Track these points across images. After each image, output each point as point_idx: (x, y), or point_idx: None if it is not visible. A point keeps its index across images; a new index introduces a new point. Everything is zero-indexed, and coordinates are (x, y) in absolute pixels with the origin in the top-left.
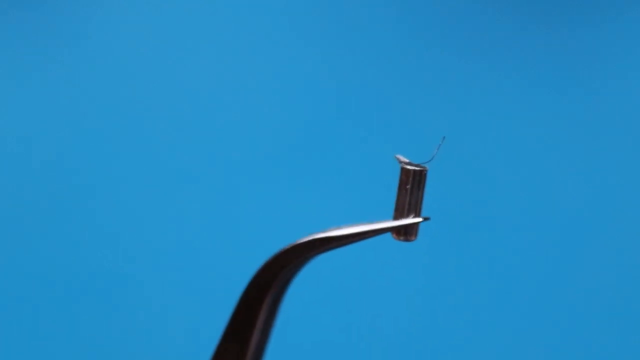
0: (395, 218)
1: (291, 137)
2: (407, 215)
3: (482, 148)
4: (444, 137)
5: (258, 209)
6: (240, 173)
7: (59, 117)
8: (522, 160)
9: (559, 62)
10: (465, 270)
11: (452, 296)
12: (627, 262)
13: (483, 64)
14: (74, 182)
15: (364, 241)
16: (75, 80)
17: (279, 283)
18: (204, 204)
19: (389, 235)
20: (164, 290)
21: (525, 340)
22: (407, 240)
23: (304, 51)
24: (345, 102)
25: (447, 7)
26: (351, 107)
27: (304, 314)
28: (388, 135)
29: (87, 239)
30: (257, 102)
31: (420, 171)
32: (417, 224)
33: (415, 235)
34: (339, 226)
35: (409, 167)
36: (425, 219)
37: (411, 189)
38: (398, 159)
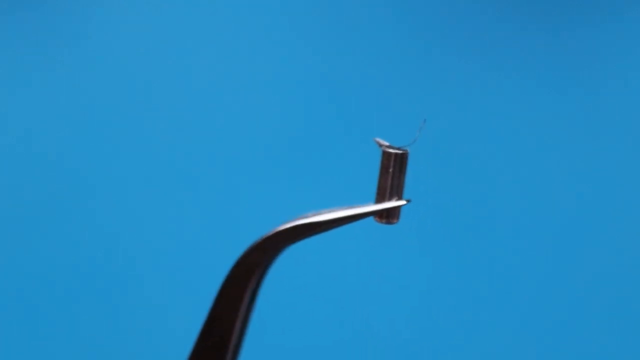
0: (378, 201)
1: (281, 131)
2: (389, 199)
3: (482, 148)
4: (424, 120)
5: (243, 199)
6: (234, 168)
7: (59, 116)
8: (521, 160)
9: (558, 62)
10: (460, 267)
11: (441, 290)
12: (626, 262)
13: (482, 63)
14: (71, 180)
15: (346, 226)
16: (74, 79)
17: (260, 272)
18: (194, 199)
19: (371, 219)
20: (160, 288)
21: (521, 339)
22: (389, 223)
23: (300, 49)
24: (337, 98)
25: (446, 7)
26: (343, 102)
27: (281, 305)
28: (377, 127)
29: (81, 236)
30: (250, 99)
31: (402, 154)
32: (399, 206)
33: (398, 217)
34: (317, 211)
35: (390, 150)
36: (407, 201)
37: (393, 172)
38: (378, 142)
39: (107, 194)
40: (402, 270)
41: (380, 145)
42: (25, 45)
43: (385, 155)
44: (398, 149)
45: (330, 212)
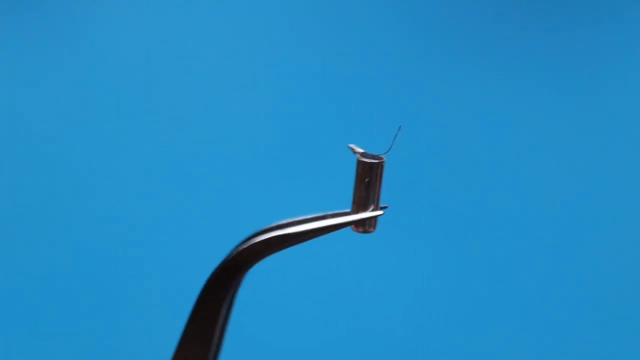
0: (354, 211)
1: (278, 131)
2: (365, 208)
3: (481, 148)
4: (400, 126)
5: (240, 198)
6: (233, 168)
7: (59, 116)
8: (521, 160)
9: (558, 62)
10: (457, 266)
11: (434, 290)
12: (626, 261)
13: (482, 63)
14: (70, 180)
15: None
16: (75, 79)
17: (236, 282)
18: (193, 198)
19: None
20: (160, 288)
21: (518, 340)
22: (366, 232)
23: (300, 49)
24: (336, 98)
25: (446, 7)
26: (342, 101)
27: (270, 306)
28: (376, 127)
29: (80, 236)
30: (250, 99)
31: (378, 164)
32: (375, 216)
33: (375, 226)
34: (293, 219)
35: (366, 159)
36: (384, 207)
37: (369, 181)
38: (352, 149)
39: (106, 193)
40: (394, 269)
41: (355, 152)
42: (25, 46)
43: (361, 165)
44: (373, 157)
45: (306, 221)
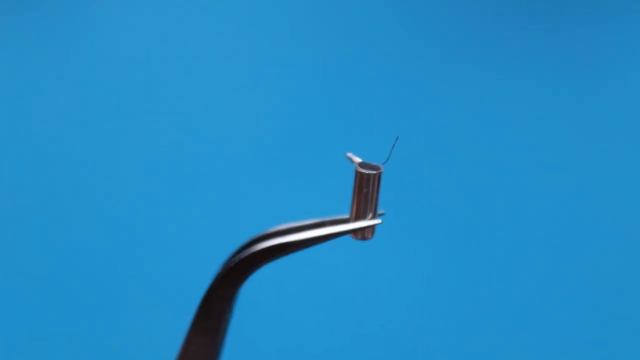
0: (353, 219)
1: (278, 131)
2: (364, 217)
3: (481, 148)
4: (397, 137)
5: (240, 198)
6: (232, 168)
7: (60, 116)
8: (521, 161)
9: (558, 62)
10: (456, 267)
11: (434, 292)
12: (626, 261)
13: (482, 63)
14: (69, 181)
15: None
16: (75, 79)
17: (236, 290)
18: (192, 198)
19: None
20: (159, 287)
21: (518, 340)
22: (364, 239)
23: (299, 50)
24: (335, 98)
25: (446, 7)
26: (341, 102)
27: (270, 308)
28: (376, 127)
29: (80, 237)
30: (250, 100)
31: (376, 175)
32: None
33: (372, 233)
34: (291, 224)
35: (363, 170)
36: (381, 214)
37: (367, 191)
38: (350, 158)
39: (105, 194)
40: (394, 272)
41: (352, 161)
42: (25, 46)
43: (359, 176)
44: (371, 167)
45: (305, 228)
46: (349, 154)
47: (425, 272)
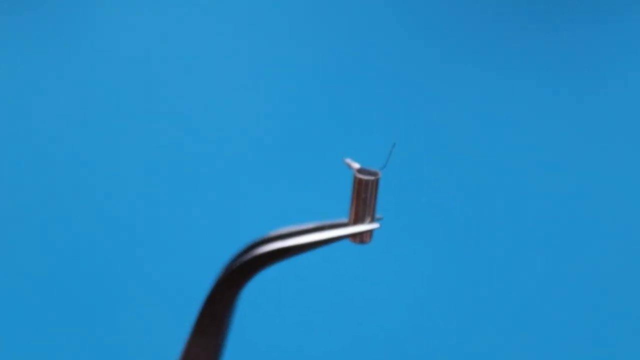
0: (351, 223)
1: (279, 132)
2: (362, 221)
3: (480, 149)
4: (394, 144)
5: (240, 199)
6: (232, 169)
7: (61, 116)
8: (521, 161)
9: (558, 62)
10: (456, 268)
11: (433, 293)
12: (626, 262)
13: (482, 64)
14: (69, 183)
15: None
16: (75, 80)
17: (236, 294)
18: (192, 199)
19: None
20: (159, 287)
21: (519, 342)
22: (363, 242)
23: (299, 50)
24: (335, 99)
25: (446, 7)
26: (341, 102)
27: (271, 309)
28: (375, 128)
29: (79, 238)
30: (250, 100)
31: (374, 180)
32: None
33: (371, 237)
34: (290, 228)
35: (362, 176)
36: (379, 218)
37: (365, 197)
38: (348, 164)
39: (105, 195)
40: (394, 273)
41: (350, 167)
42: (25, 46)
43: (357, 182)
44: (369, 172)
45: (304, 232)
46: (348, 160)
47: (424, 275)
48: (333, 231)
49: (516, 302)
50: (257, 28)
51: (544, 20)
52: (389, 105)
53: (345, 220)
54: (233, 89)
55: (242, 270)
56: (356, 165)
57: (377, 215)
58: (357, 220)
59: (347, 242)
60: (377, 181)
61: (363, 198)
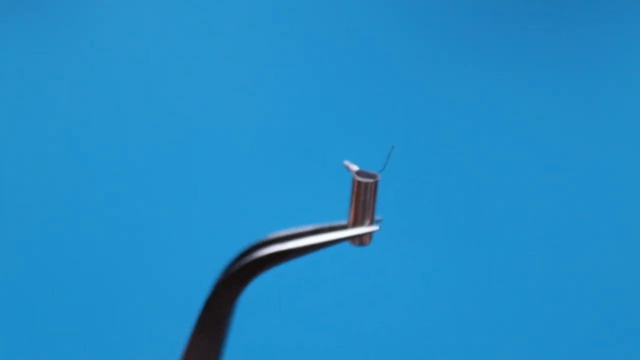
0: (350, 225)
1: (280, 133)
2: (361, 223)
3: (480, 149)
4: (392, 147)
5: (241, 200)
6: (233, 170)
7: (62, 116)
8: (521, 161)
9: (558, 62)
10: (458, 269)
11: (434, 293)
12: (626, 262)
13: (482, 64)
14: (69, 185)
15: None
16: (75, 80)
17: (236, 296)
18: (193, 200)
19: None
20: (159, 288)
21: (519, 343)
22: (362, 244)
23: (300, 51)
24: (336, 100)
25: (446, 7)
26: (341, 103)
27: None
28: (376, 129)
29: (79, 240)
30: (250, 101)
31: (373, 183)
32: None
33: (370, 239)
34: (288, 231)
35: (361, 179)
36: (378, 220)
37: (364, 199)
38: (347, 166)
39: (107, 196)
40: (394, 273)
41: (349, 170)
42: (26, 46)
43: (356, 184)
44: (368, 175)
45: (303, 234)
46: (346, 162)
47: (424, 276)
48: (332, 234)
49: (516, 302)
50: (257, 29)
51: (544, 20)
52: (388, 107)
53: (344, 222)
54: (233, 91)
55: (241, 273)
56: (355, 168)
57: (376, 217)
58: (356, 222)
59: (346, 244)
60: (376, 183)
61: (362, 200)
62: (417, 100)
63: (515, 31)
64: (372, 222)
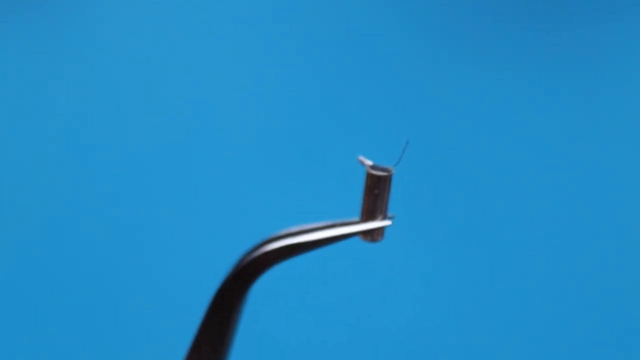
0: (363, 220)
1: (282, 134)
2: (374, 218)
3: (480, 149)
4: (408, 141)
5: (243, 201)
6: (234, 171)
7: (61, 117)
8: (521, 161)
9: (557, 63)
10: (462, 269)
11: (436, 293)
12: (626, 262)
13: (482, 64)
14: (68, 180)
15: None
16: (76, 80)
17: (246, 290)
18: (193, 200)
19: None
20: (159, 289)
21: (520, 343)
22: (374, 241)
23: (300, 51)
24: (336, 100)
25: (446, 6)
26: (341, 104)
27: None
28: (375, 129)
29: (79, 241)
30: (251, 102)
31: (387, 176)
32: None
33: (382, 235)
34: (301, 227)
35: (375, 172)
36: (391, 217)
37: (377, 193)
38: (361, 161)
39: (113, 195)
40: (402, 273)
41: (364, 164)
42: (26, 45)
43: (370, 177)
44: (382, 169)
45: (315, 230)
46: (361, 157)
47: (435, 274)
48: (344, 228)
49: (517, 302)
50: (258, 29)
51: (544, 20)
52: (388, 107)
53: (356, 219)
54: (233, 91)
55: (250, 267)
56: (369, 162)
57: (389, 214)
58: (368, 217)
59: (356, 242)
60: (390, 177)
61: (375, 194)
62: (417, 100)
63: (515, 31)
64: (384, 218)
